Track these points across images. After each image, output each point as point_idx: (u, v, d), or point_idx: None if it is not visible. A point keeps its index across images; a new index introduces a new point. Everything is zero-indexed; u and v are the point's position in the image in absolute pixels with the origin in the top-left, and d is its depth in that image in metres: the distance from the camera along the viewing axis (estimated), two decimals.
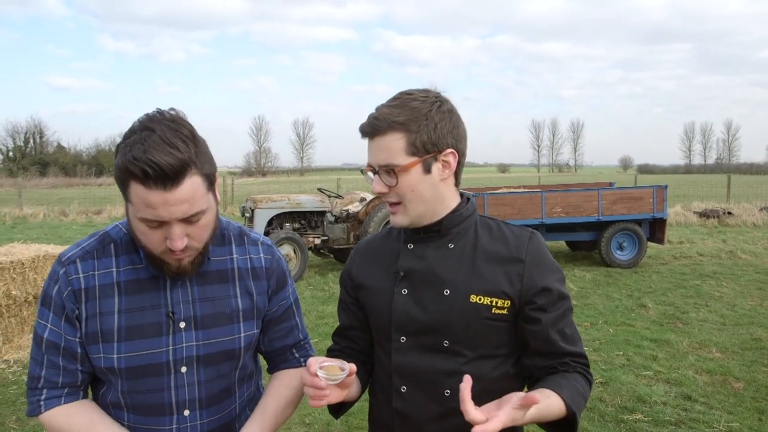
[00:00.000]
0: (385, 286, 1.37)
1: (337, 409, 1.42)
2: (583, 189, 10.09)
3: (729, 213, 16.29)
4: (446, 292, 1.30)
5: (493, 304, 1.28)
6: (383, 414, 1.41)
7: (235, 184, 21.39)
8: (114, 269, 1.31)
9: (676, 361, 5.21)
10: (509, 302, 1.28)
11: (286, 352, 1.52)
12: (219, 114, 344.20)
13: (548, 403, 1.17)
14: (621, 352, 5.44)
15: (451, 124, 1.29)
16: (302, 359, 1.53)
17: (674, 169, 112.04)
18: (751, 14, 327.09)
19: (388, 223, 9.49)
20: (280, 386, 1.47)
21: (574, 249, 11.24)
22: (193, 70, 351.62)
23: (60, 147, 72.95)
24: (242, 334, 1.40)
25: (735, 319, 6.56)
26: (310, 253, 9.50)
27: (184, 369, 1.33)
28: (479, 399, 1.10)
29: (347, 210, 10.07)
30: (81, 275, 1.29)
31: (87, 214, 19.14)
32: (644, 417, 4.04)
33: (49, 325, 1.30)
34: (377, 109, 1.29)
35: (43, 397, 1.32)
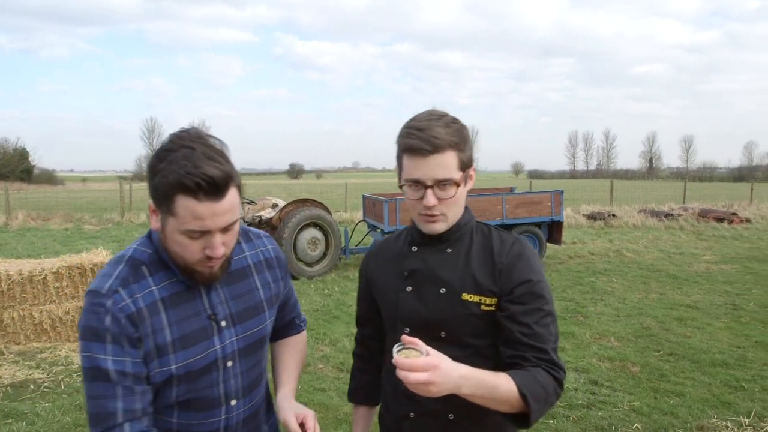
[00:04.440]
0: (393, 284, 1.54)
1: None
2: (489, 194, 10.65)
3: (613, 215, 17.80)
4: (442, 290, 1.46)
5: (482, 301, 1.43)
6: (394, 401, 1.56)
7: (133, 189, 20.27)
8: (154, 287, 1.36)
9: (581, 351, 5.70)
10: (495, 299, 1.43)
11: (294, 321, 1.75)
12: (108, 116, 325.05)
13: (495, 379, 1.27)
14: None
15: (472, 144, 1.50)
16: (302, 323, 1.78)
17: (561, 175, 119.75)
18: (627, 35, 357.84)
19: (302, 228, 9.51)
20: (295, 350, 1.72)
21: None
22: (80, 69, 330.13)
23: None
24: (268, 321, 1.54)
25: (626, 311, 7.26)
26: None
27: (230, 363, 1.44)
28: None
29: (260, 216, 9.97)
30: (128, 300, 1.31)
31: None
32: (560, 402, 4.42)
33: (110, 357, 1.27)
34: (426, 129, 1.38)
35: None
